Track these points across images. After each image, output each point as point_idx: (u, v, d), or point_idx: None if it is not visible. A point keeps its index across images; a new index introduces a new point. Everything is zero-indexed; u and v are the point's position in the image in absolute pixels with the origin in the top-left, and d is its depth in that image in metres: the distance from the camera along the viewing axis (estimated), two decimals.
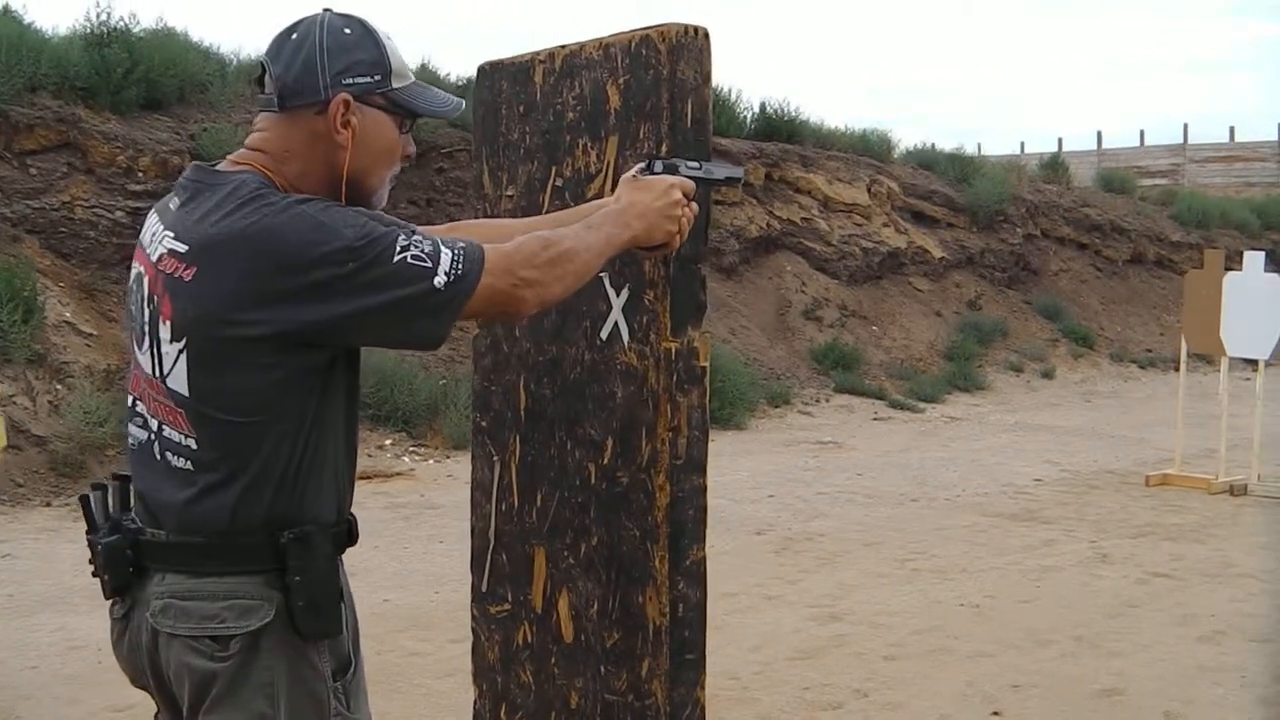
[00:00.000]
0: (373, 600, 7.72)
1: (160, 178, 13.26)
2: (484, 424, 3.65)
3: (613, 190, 3.07)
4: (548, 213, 3.28)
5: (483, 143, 3.60)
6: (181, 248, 2.47)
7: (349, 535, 2.70)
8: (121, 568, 2.58)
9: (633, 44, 3.03)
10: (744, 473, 12.42)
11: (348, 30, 2.58)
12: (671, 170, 2.87)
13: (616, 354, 3.11)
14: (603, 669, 3.20)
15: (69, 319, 12.06)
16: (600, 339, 3.16)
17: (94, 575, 2.65)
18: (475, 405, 3.71)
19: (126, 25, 14.97)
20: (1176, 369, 13.08)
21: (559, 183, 3.30)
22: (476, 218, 3.60)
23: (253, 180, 2.51)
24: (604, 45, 3.13)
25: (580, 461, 3.25)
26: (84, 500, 2.71)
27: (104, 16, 14.89)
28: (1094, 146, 41.19)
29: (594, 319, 3.17)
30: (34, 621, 7.03)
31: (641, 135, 3.00)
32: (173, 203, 2.59)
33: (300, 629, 2.51)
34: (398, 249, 2.43)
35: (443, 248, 2.48)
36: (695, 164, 2.94)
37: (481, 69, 3.60)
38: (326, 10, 2.64)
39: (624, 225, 2.75)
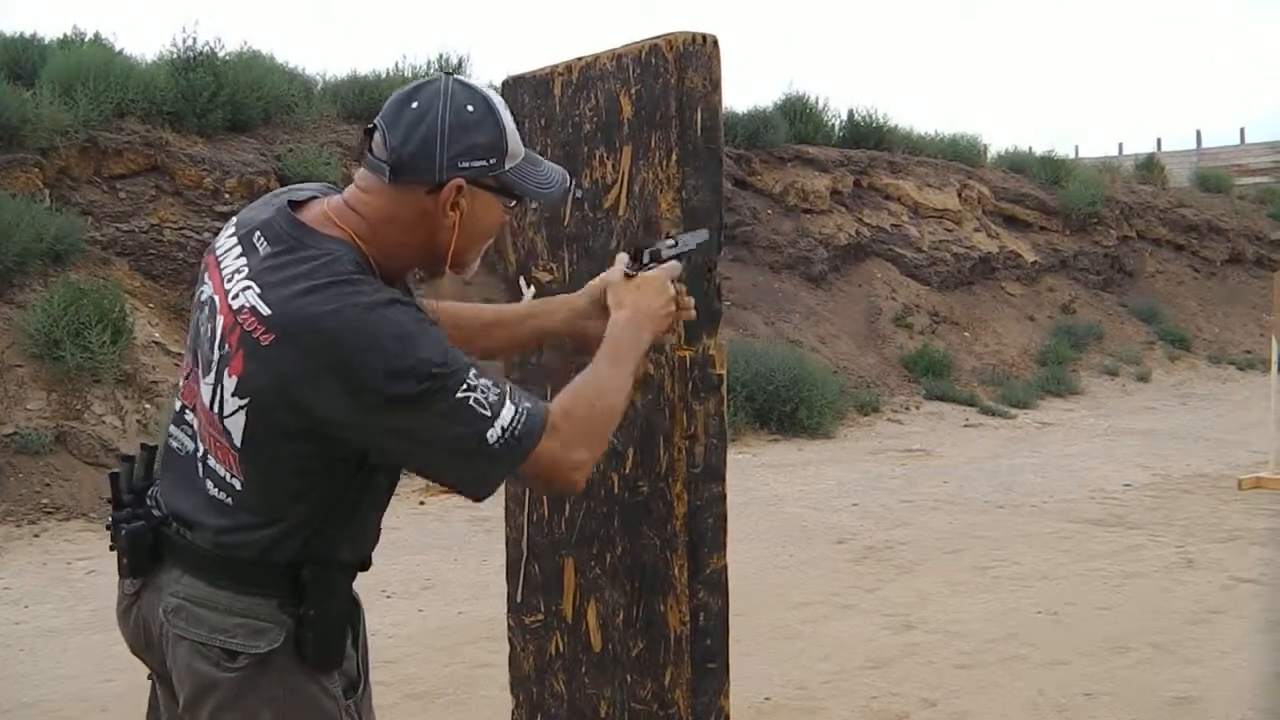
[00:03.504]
0: (448, 613, 7.77)
1: (246, 199, 13.41)
2: None
3: (628, 201, 3.09)
4: (567, 226, 3.30)
5: None
6: (265, 310, 2.42)
7: (367, 561, 2.71)
8: (142, 554, 2.60)
9: (643, 54, 3.03)
10: (830, 482, 12.39)
11: (470, 108, 2.51)
12: (656, 257, 2.86)
13: None
14: (629, 678, 3.21)
15: (158, 339, 12.24)
16: None
17: (111, 550, 2.67)
18: None
19: (212, 49, 15.23)
20: None
21: (579, 194, 3.31)
22: (505, 232, 3.62)
23: (347, 257, 2.48)
24: (616, 56, 3.14)
25: (604, 471, 3.25)
26: (113, 477, 2.71)
27: (190, 41, 15.17)
28: (1193, 146, 40.57)
29: None
30: (115, 636, 7.07)
31: (653, 144, 3.01)
32: (260, 242, 2.54)
33: (305, 658, 2.53)
34: (464, 387, 2.39)
35: (508, 402, 2.44)
36: (671, 241, 2.92)
37: (505, 83, 3.63)
38: (450, 77, 2.57)
39: (639, 340, 2.75)
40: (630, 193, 3.09)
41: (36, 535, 9.73)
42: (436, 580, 8.52)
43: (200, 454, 2.57)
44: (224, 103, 14.56)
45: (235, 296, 2.49)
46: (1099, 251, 22.86)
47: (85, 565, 8.97)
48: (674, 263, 2.86)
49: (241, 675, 2.50)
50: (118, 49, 15.61)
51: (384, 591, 8.03)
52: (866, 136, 21.71)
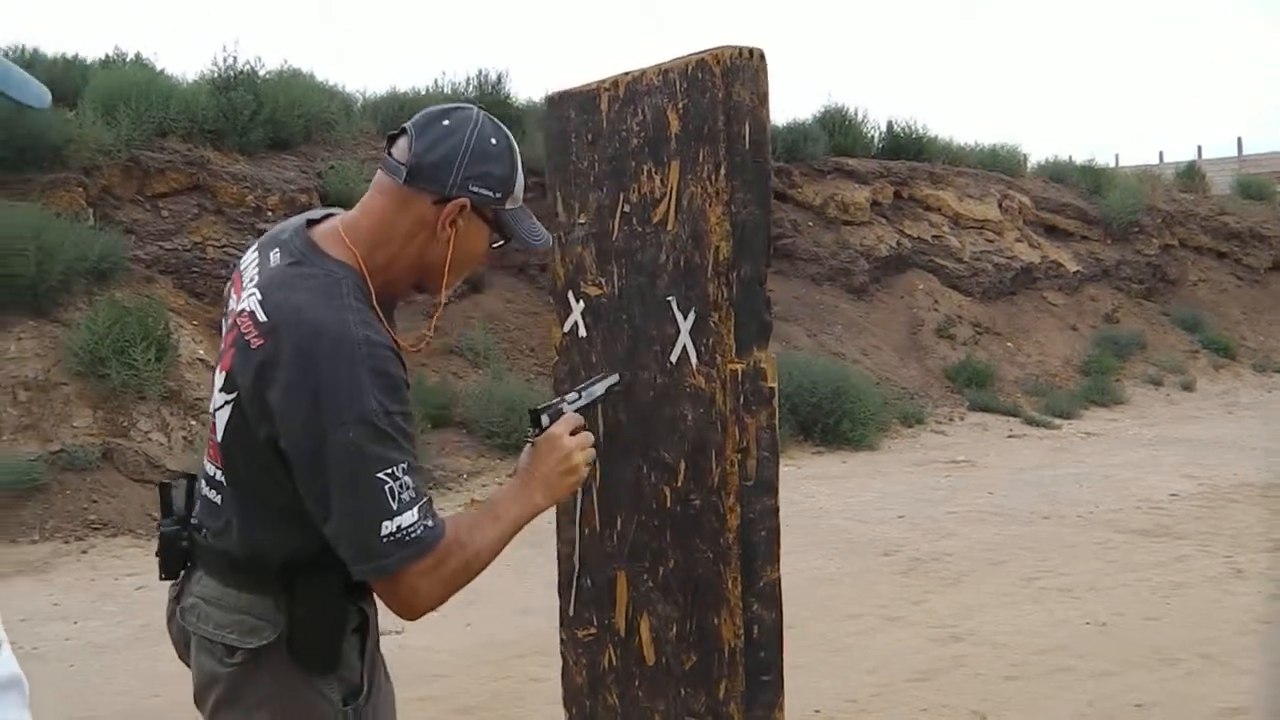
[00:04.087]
0: (496, 626, 7.78)
1: (289, 216, 13.46)
2: None
3: (676, 215, 3.10)
4: (616, 240, 3.32)
5: (554, 171, 3.63)
6: (262, 316, 2.56)
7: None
8: (174, 557, 2.77)
9: (689, 68, 3.04)
10: (874, 494, 12.34)
11: (494, 141, 2.68)
12: (557, 414, 2.96)
13: (685, 376, 3.12)
14: (682, 691, 3.21)
15: (202, 356, 12.29)
16: (670, 362, 3.17)
17: (155, 555, 2.83)
18: None
19: (252, 68, 15.34)
20: None
21: (626, 208, 3.31)
22: (554, 247, 3.64)
23: (348, 280, 2.60)
24: (663, 70, 3.14)
25: (656, 485, 3.26)
26: (162, 487, 2.86)
27: (230, 61, 15.27)
28: (1234, 153, 40.36)
29: (664, 342, 3.18)
30: (161, 650, 7.09)
31: (701, 158, 3.01)
32: (275, 255, 2.69)
33: (295, 658, 2.62)
34: (389, 470, 2.47)
35: (415, 509, 2.51)
36: (576, 394, 3.10)
37: (550, 99, 3.64)
38: (483, 111, 2.73)
39: (528, 504, 2.85)
40: (679, 207, 3.10)
41: (84, 552, 9.78)
42: (484, 593, 8.46)
43: (202, 464, 2.79)
44: (265, 121, 14.66)
45: (242, 302, 2.64)
46: (1141, 260, 22.72)
47: (133, 581, 9.01)
48: (572, 415, 2.96)
49: (238, 671, 2.63)
50: (159, 69, 15.73)
51: None
52: (906, 147, 21.64)
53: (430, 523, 2.53)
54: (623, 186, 3.33)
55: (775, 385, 3.06)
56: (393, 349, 2.56)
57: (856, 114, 21.37)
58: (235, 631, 2.62)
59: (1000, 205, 21.57)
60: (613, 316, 3.40)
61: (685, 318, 3.10)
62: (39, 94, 1.72)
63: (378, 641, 2.84)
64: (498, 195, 2.68)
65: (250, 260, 2.75)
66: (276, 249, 2.70)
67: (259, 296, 2.59)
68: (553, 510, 3.80)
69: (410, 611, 2.59)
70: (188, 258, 13.34)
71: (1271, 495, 11.76)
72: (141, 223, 13.37)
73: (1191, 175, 27.57)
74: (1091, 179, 23.72)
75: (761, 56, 2.99)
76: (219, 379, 2.65)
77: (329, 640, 2.65)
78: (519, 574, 9.05)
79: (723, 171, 2.96)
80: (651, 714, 3.34)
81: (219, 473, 2.66)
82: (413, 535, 2.49)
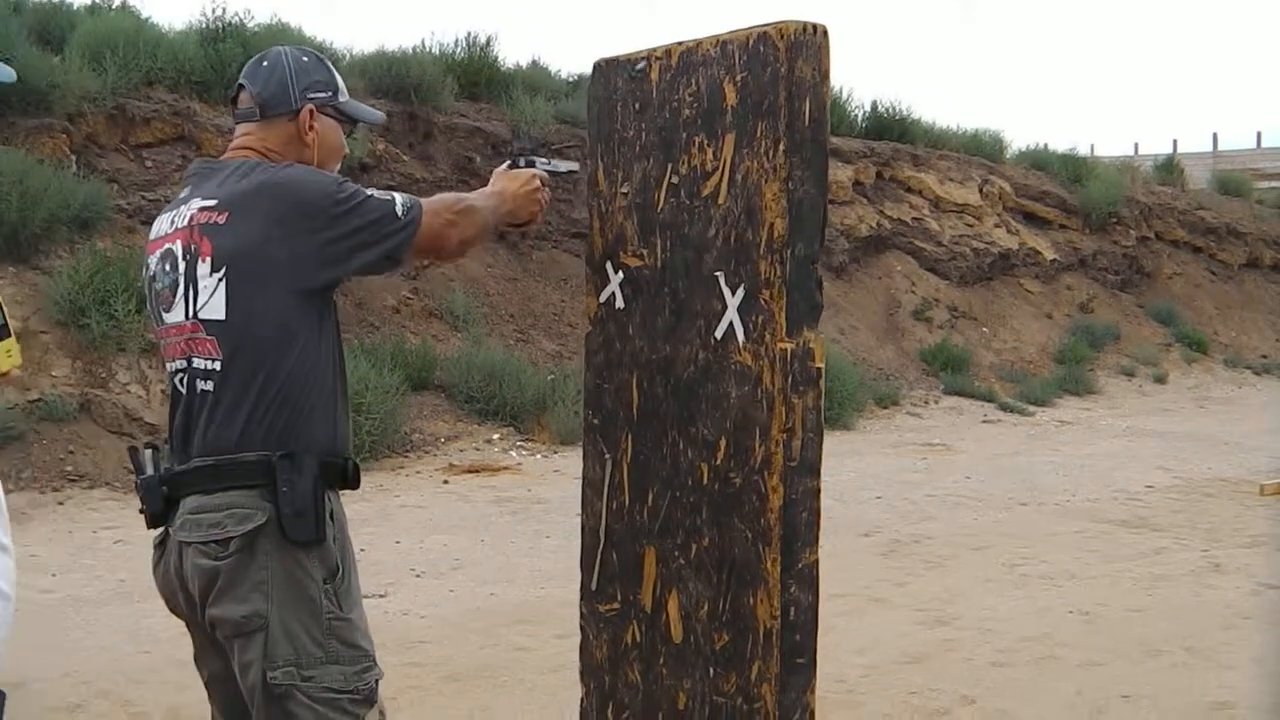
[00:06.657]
0: (479, 594, 7.75)
1: None
2: (596, 422, 3.62)
3: (729, 190, 3.07)
4: (661, 212, 3.29)
5: (598, 140, 3.57)
6: (212, 202, 3.10)
7: (345, 472, 3.22)
8: (156, 498, 3.12)
9: (750, 41, 2.99)
10: (851, 473, 12.33)
11: (305, 58, 3.36)
12: (530, 164, 3.60)
13: (731, 354, 3.08)
14: (711, 670, 3.18)
15: None
16: (715, 338, 3.13)
17: (140, 512, 3.21)
18: (587, 403, 3.69)
19: (241, 21, 15.18)
20: None
21: (674, 180, 3.27)
22: (592, 215, 3.62)
23: (253, 157, 3.21)
24: (721, 42, 3.10)
25: (692, 461, 3.22)
26: (131, 451, 3.28)
27: (219, 12, 15.12)
28: (1209, 148, 40.46)
29: (709, 318, 3.14)
30: (146, 607, 7.05)
31: (759, 133, 2.97)
32: (184, 192, 3.24)
33: (288, 533, 2.99)
34: (366, 191, 3.15)
35: (393, 193, 3.21)
36: (546, 160, 3.67)
37: (597, 65, 3.58)
38: (284, 46, 3.41)
39: (501, 201, 3.46)
40: (732, 181, 3.06)
41: (60, 503, 9.71)
42: (465, 561, 8.49)
43: (187, 368, 3.13)
44: None
45: (184, 219, 3.15)
46: (1118, 251, 22.80)
47: (112, 535, 8.94)
48: (543, 172, 3.58)
49: (234, 561, 2.99)
50: (145, 17, 15.57)
51: (413, 570, 8.02)
52: (889, 128, 21.61)
53: (401, 193, 3.24)
54: (671, 158, 3.28)
55: (823, 366, 3.02)
56: None
57: (841, 92, 21.33)
58: (228, 524, 2.98)
59: (981, 190, 21.61)
60: (654, 289, 3.36)
61: (734, 294, 3.07)
62: (6, 71, 2.07)
63: (347, 537, 3.22)
64: (329, 94, 3.34)
65: (159, 223, 3.26)
66: (183, 189, 3.26)
67: (199, 198, 3.14)
68: (578, 482, 3.79)
69: (453, 245, 3.34)
70: None
71: (1245, 491, 11.79)
72: (125, 172, 13.24)
73: (1170, 169, 27.64)
74: (1072, 168, 23.77)
75: (825, 33, 2.95)
76: (203, 268, 3.06)
77: (315, 510, 3.02)
78: (499, 543, 9.06)
79: (781, 148, 2.92)
80: (676, 693, 3.31)
81: (213, 361, 3.06)
82: (409, 201, 3.18)
